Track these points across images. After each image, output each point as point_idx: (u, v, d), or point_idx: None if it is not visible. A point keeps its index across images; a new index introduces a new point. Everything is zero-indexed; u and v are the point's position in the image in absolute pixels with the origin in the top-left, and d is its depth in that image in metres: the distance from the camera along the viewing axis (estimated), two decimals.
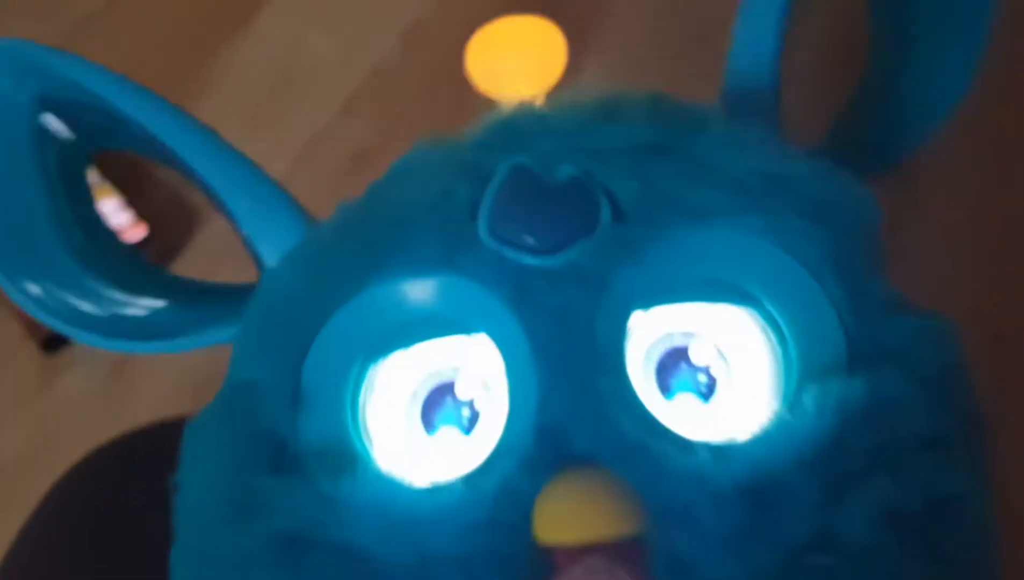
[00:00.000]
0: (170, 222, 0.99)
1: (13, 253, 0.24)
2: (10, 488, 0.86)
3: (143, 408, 0.86)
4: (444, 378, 0.21)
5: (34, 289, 0.24)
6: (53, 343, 0.95)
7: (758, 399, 0.20)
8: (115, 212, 0.93)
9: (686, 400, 0.20)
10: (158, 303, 0.25)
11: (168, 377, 0.80)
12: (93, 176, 0.26)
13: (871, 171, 0.23)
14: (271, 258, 0.24)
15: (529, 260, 0.20)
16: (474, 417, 0.20)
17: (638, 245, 0.20)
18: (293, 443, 0.20)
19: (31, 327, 0.95)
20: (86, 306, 0.24)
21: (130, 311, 0.25)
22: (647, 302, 0.20)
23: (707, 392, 0.20)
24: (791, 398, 0.19)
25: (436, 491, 0.19)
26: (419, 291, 0.21)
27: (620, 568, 0.17)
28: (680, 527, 0.18)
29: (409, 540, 0.18)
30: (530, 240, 0.20)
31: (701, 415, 0.20)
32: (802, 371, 0.19)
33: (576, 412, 0.19)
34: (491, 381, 0.20)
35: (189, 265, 0.96)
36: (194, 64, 1.09)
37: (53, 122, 0.25)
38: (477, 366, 0.21)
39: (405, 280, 0.21)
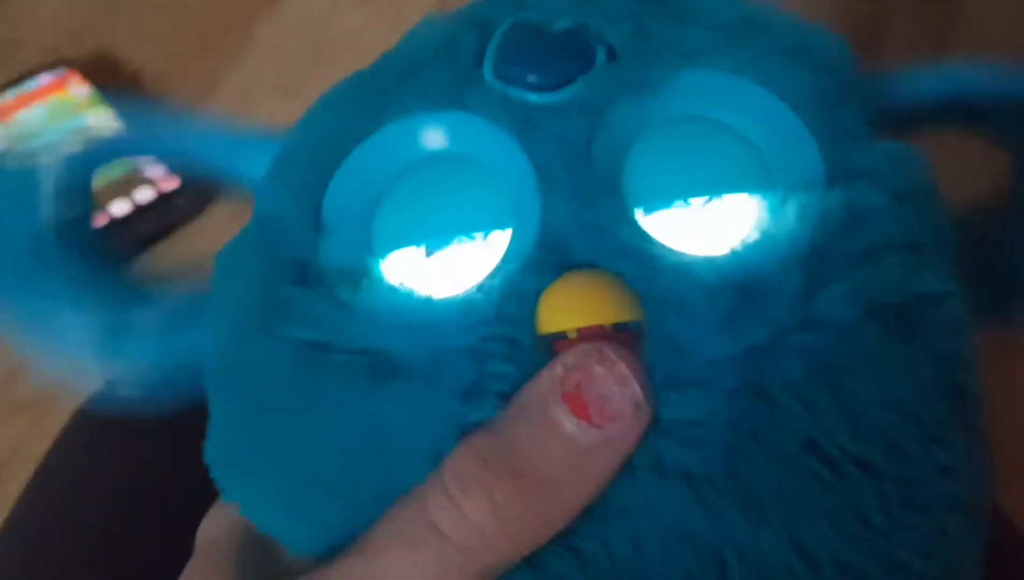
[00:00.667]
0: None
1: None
2: (47, 414, 0.88)
3: None
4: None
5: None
6: None
7: (741, 220, 0.21)
8: (149, 164, 0.96)
9: (674, 225, 0.21)
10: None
11: None
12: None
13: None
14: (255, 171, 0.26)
15: (532, 97, 0.21)
16: (480, 245, 0.21)
17: (632, 80, 0.22)
18: (315, 264, 0.21)
19: None
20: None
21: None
22: (640, 131, 0.22)
23: (693, 220, 0.21)
24: (774, 214, 0.20)
25: (446, 297, 0.20)
26: (429, 128, 0.22)
27: (615, 347, 0.18)
28: (674, 315, 0.19)
29: (421, 337, 0.19)
30: (532, 77, 0.21)
31: (688, 231, 0.21)
32: (783, 191, 0.21)
33: (576, 225, 0.20)
34: (497, 210, 0.21)
35: (220, 214, 0.98)
36: (225, 37, 1.11)
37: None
38: (484, 195, 0.22)
39: (416, 117, 0.22)
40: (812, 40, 0.23)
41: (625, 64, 0.22)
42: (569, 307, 0.19)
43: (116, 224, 0.95)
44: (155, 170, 0.98)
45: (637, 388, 0.18)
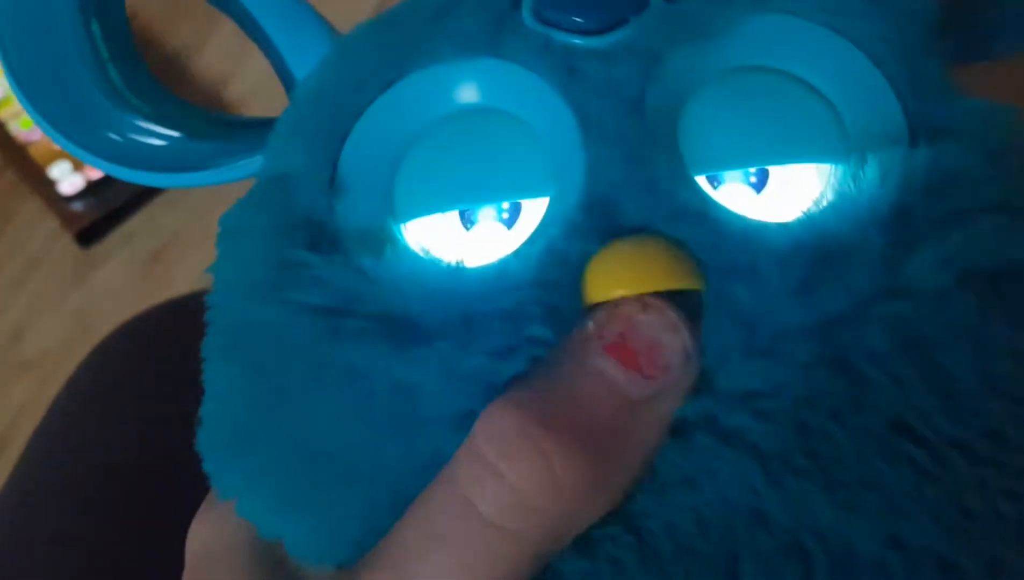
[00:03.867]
0: None
1: (41, 83, 0.23)
2: (51, 374, 0.90)
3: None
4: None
5: (60, 118, 0.23)
6: (89, 236, 0.98)
7: (815, 187, 0.19)
8: None
9: (737, 190, 0.19)
10: (191, 135, 0.25)
11: (204, 265, 0.82)
12: None
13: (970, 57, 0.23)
14: (300, 67, 0.24)
15: (577, 41, 0.19)
16: (515, 211, 0.19)
17: (691, 23, 0.19)
18: (331, 226, 0.20)
19: (67, 221, 0.98)
20: (114, 137, 0.24)
21: (161, 143, 0.24)
22: (701, 82, 0.20)
23: (758, 184, 0.19)
24: (852, 176, 0.18)
25: (478, 265, 0.18)
26: (460, 77, 0.20)
27: (673, 311, 0.17)
28: (740, 283, 0.17)
29: (452, 302, 0.18)
30: (578, 19, 0.19)
31: (753, 204, 0.19)
32: (861, 152, 0.19)
33: (626, 184, 0.18)
34: (536, 169, 0.19)
35: None
36: None
37: None
38: (521, 152, 0.20)
39: (446, 65, 0.20)
40: None
41: (685, 5, 0.20)
42: (619, 274, 0.17)
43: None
44: None
45: (688, 336, 0.16)
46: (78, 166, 0.96)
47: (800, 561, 0.17)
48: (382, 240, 0.19)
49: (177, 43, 1.07)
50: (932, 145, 0.18)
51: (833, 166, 0.19)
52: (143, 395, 0.44)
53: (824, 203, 0.18)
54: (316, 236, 0.19)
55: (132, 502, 0.41)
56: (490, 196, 0.19)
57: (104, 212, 0.97)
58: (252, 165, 0.23)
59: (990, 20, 0.24)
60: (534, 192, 0.19)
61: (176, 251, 0.97)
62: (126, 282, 0.97)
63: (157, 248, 0.98)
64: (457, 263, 0.18)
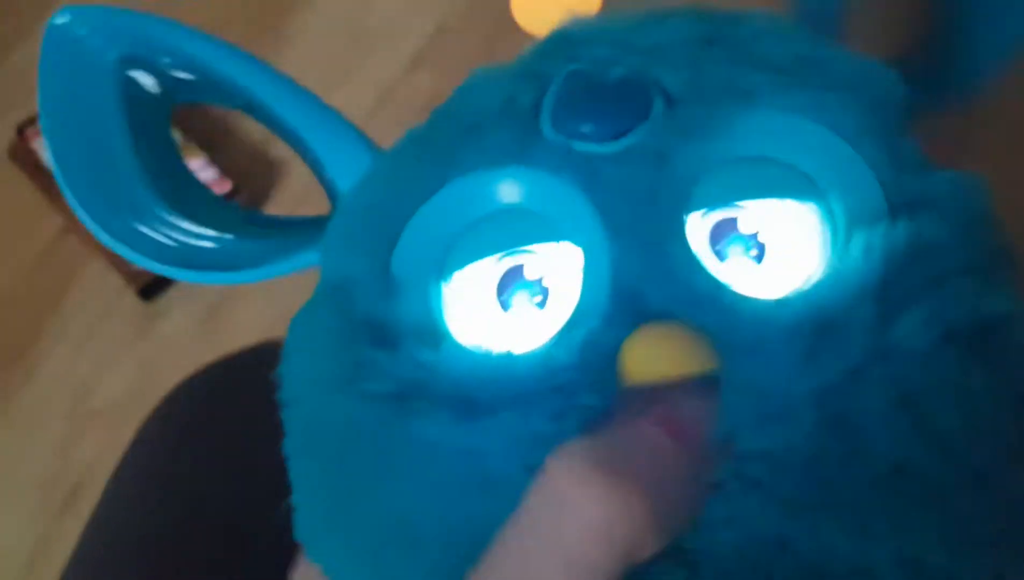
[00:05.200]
0: (254, 176, 1.04)
1: (103, 200, 0.26)
2: (119, 426, 0.93)
3: (239, 347, 0.92)
4: (516, 262, 0.22)
5: (124, 232, 0.25)
6: (151, 291, 1.01)
7: (807, 259, 0.21)
8: (201, 169, 0.99)
9: (740, 263, 0.21)
10: (246, 238, 0.27)
11: (261, 315, 0.83)
12: (177, 137, 0.29)
13: (934, 103, 0.25)
14: (346, 188, 0.26)
15: (593, 148, 0.21)
16: (545, 294, 0.22)
17: (691, 124, 0.22)
18: (391, 325, 0.21)
19: (130, 277, 1.01)
20: (176, 245, 0.26)
21: (220, 247, 0.26)
22: (702, 174, 0.22)
23: (758, 256, 0.21)
24: (839, 251, 0.21)
25: (525, 352, 0.20)
26: (494, 183, 0.22)
27: (698, 398, 0.19)
28: (752, 359, 0.19)
29: (505, 383, 0.20)
30: (590, 128, 0.21)
31: (755, 276, 0.21)
32: (847, 228, 0.21)
33: (648, 274, 0.20)
34: (562, 260, 0.22)
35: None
36: (262, 36, 1.13)
37: (141, 77, 0.27)
38: (549, 248, 0.22)
39: (481, 172, 0.22)
40: (867, 75, 0.23)
41: (684, 109, 0.22)
42: (654, 360, 0.19)
43: None
44: (205, 174, 0.99)
45: (710, 410, 0.19)
46: None
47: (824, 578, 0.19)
48: (435, 336, 0.21)
49: None
50: (910, 217, 0.20)
51: (824, 242, 0.21)
52: (210, 447, 0.46)
53: (819, 278, 0.20)
54: (377, 333, 0.21)
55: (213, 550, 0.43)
56: (527, 284, 0.22)
57: None
58: (299, 261, 0.25)
59: (939, 71, 0.26)
60: (565, 279, 0.21)
61: (232, 304, 1.00)
62: (187, 333, 1.00)
63: (215, 301, 1.00)
64: (507, 351, 0.20)
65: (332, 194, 0.26)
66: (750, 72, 0.22)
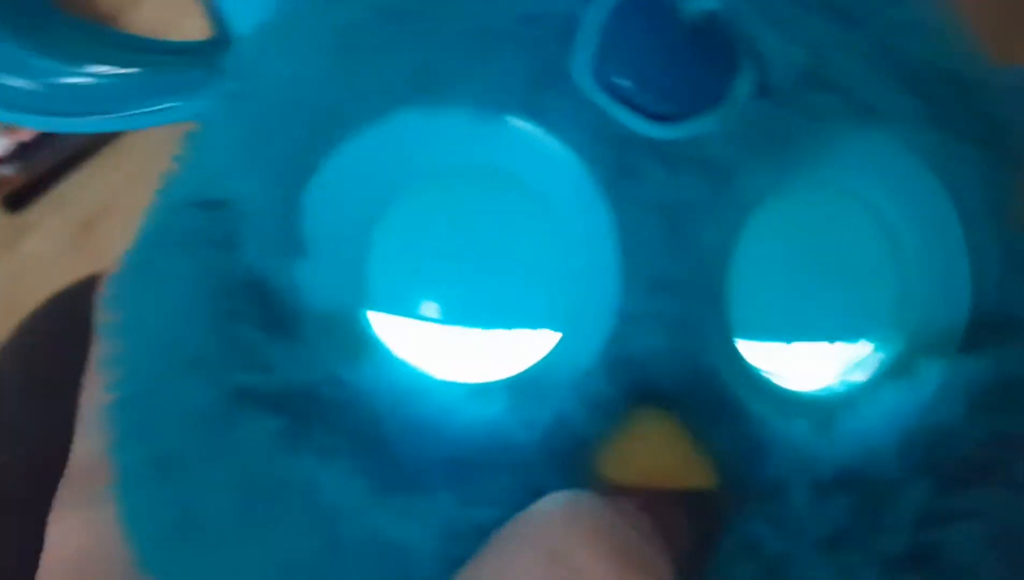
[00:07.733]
0: None
1: None
2: None
3: (111, 267, 0.88)
4: None
5: None
6: (17, 201, 0.95)
7: (865, 367, 0.16)
8: None
9: (769, 346, 0.16)
10: (104, 70, 0.20)
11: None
12: None
13: None
14: (242, 17, 0.18)
15: (639, 124, 0.15)
16: None
17: (778, 134, 0.15)
18: (291, 298, 0.15)
19: None
20: (18, 83, 0.19)
21: (71, 82, 0.20)
22: (758, 205, 0.16)
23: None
24: (904, 360, 0.16)
25: (476, 398, 0.15)
26: (476, 131, 0.16)
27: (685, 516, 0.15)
28: (768, 514, 0.15)
29: (440, 444, 0.15)
30: (646, 97, 0.15)
31: (783, 359, 0.16)
32: (918, 327, 0.16)
33: (662, 346, 0.15)
34: (553, 277, 0.16)
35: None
36: None
37: None
38: (536, 247, 0.16)
39: (462, 112, 0.15)
40: (1015, 118, 0.17)
41: (775, 107, 0.15)
42: (643, 466, 0.15)
43: None
44: None
45: (690, 533, 0.15)
46: (7, 128, 0.94)
47: None
48: (356, 339, 0.15)
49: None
50: (995, 347, 0.16)
51: (884, 355, 0.16)
52: (69, 384, 0.44)
53: (875, 401, 0.16)
54: (269, 309, 0.15)
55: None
56: (483, 319, 0.15)
57: (34, 176, 0.94)
58: (181, 110, 0.19)
59: None
60: (544, 323, 0.15)
61: (109, 220, 0.95)
62: (55, 251, 0.95)
63: (88, 217, 0.95)
64: (449, 387, 0.15)
65: (221, 23, 0.19)
66: (879, 78, 0.16)
